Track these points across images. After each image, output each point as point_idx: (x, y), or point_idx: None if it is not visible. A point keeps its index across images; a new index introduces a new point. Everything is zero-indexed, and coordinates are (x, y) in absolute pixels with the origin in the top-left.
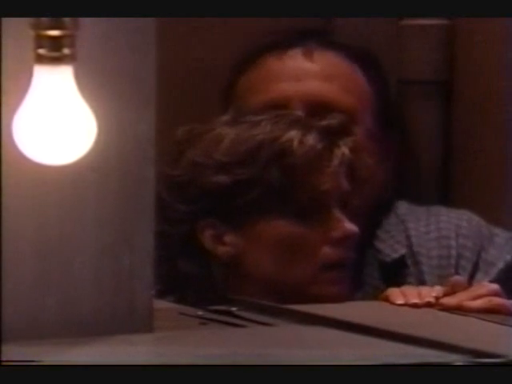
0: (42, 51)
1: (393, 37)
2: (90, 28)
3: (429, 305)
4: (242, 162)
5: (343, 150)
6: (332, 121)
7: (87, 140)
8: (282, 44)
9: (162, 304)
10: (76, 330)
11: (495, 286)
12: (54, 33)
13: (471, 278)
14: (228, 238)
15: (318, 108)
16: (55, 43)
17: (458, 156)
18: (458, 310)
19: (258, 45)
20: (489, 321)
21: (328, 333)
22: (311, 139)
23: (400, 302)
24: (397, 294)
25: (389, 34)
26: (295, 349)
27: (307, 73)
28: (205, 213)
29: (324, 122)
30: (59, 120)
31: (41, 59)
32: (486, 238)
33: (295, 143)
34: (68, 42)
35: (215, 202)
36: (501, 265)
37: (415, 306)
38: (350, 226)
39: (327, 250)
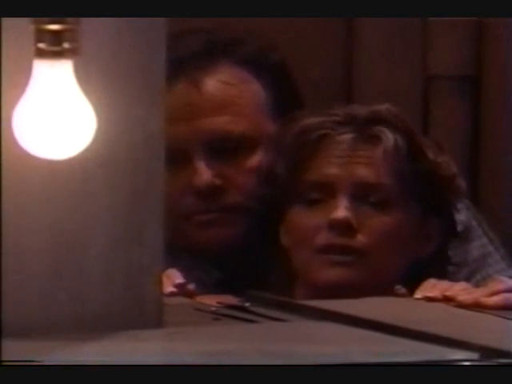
0: (42, 45)
1: (420, 32)
2: (99, 24)
3: (445, 300)
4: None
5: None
6: (361, 111)
7: (86, 134)
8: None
9: (177, 300)
10: (86, 325)
11: None
12: (55, 27)
13: None
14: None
15: (216, 143)
16: (55, 37)
17: (485, 151)
18: (475, 306)
19: None
20: (505, 317)
21: (340, 329)
22: (316, 124)
23: (417, 296)
24: (423, 288)
25: (415, 29)
26: (307, 345)
27: (196, 110)
28: None
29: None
30: (58, 114)
31: (41, 53)
32: None
33: (303, 128)
34: (69, 36)
35: None
36: (459, 228)
37: (432, 299)
38: (340, 213)
39: (324, 234)
